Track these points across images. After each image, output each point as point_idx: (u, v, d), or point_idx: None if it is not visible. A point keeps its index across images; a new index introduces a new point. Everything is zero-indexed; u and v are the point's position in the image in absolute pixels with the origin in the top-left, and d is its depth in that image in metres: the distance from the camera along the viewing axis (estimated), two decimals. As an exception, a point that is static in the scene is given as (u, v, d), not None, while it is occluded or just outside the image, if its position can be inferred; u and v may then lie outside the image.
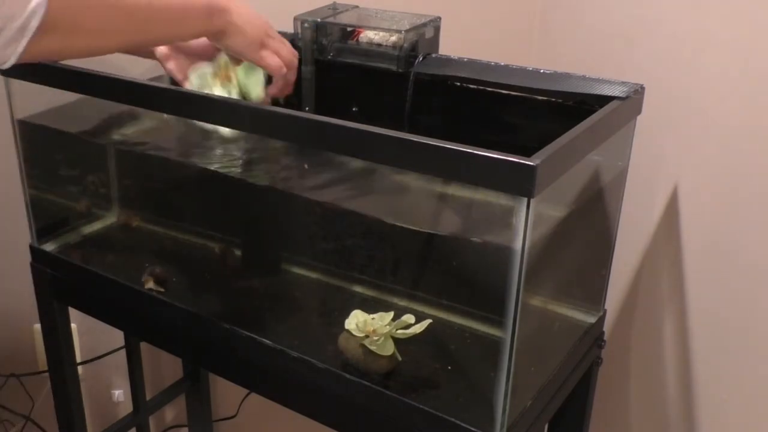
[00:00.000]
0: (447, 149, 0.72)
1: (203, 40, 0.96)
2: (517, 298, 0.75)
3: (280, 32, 1.12)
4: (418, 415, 0.85)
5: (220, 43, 0.93)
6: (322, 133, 0.82)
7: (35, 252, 1.19)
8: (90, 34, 0.80)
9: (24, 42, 0.73)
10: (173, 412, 1.78)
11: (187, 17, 0.87)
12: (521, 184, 0.70)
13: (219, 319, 1.00)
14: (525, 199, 0.70)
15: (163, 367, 1.72)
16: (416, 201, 0.96)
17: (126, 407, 1.61)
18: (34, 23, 0.72)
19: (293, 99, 1.05)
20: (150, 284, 1.07)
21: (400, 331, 0.87)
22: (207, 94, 0.96)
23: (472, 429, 0.81)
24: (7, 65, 0.75)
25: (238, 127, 0.92)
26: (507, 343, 0.77)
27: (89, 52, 0.83)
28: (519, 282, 0.74)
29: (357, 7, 1.15)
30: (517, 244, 0.72)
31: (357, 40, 1.07)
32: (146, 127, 1.16)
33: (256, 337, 0.96)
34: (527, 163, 0.69)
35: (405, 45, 1.03)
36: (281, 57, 0.97)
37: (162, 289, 1.06)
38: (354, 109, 1.13)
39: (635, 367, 1.14)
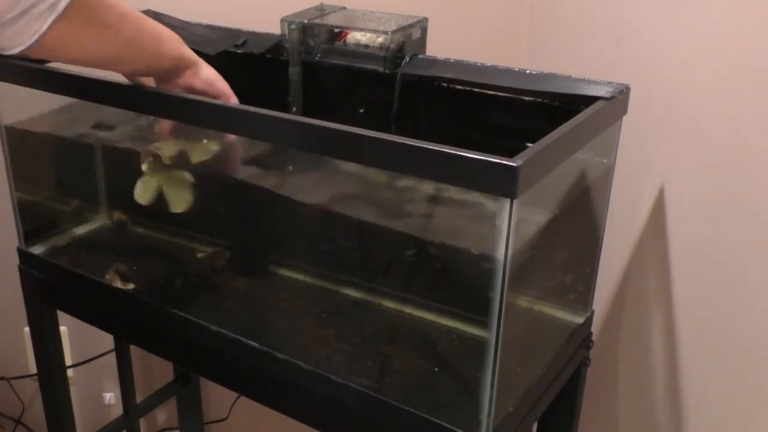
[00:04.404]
0: (429, 150, 0.72)
1: None
2: (501, 299, 0.74)
3: (265, 33, 1.13)
4: (404, 417, 0.85)
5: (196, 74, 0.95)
6: (306, 134, 0.82)
7: (23, 255, 1.19)
8: (100, 31, 0.82)
9: (50, 21, 0.74)
10: (164, 414, 1.78)
11: (162, 43, 0.91)
12: (503, 185, 0.69)
13: (206, 322, 0.99)
14: (508, 200, 0.70)
15: (155, 369, 1.71)
16: (401, 202, 0.96)
17: (117, 410, 1.61)
18: (64, 3, 0.74)
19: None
20: (117, 283, 1.07)
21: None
22: (199, 98, 0.94)
23: (458, 431, 0.81)
24: (19, 49, 0.76)
25: (223, 129, 0.92)
26: (492, 344, 0.77)
27: (87, 54, 0.85)
28: (503, 283, 0.74)
29: (344, 8, 1.15)
30: (501, 246, 0.72)
31: (344, 41, 1.07)
32: (133, 127, 1.16)
33: (242, 339, 0.96)
34: (509, 164, 0.69)
35: (392, 46, 1.03)
36: None
37: (131, 286, 1.06)
38: (342, 106, 1.13)
39: (623, 368, 1.14)
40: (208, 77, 0.95)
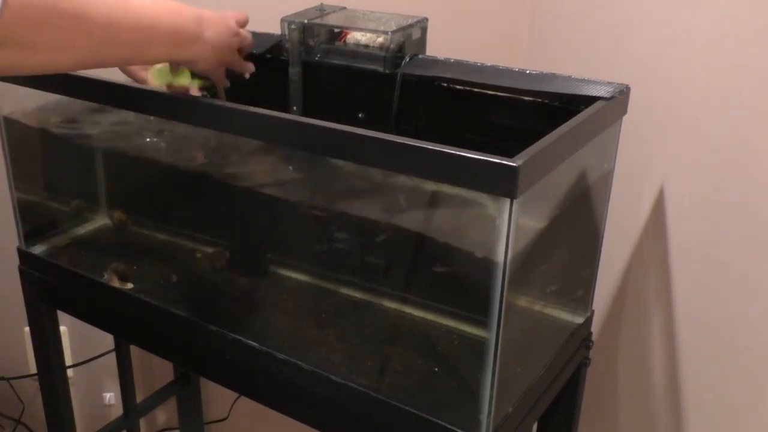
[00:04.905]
0: (429, 150, 0.72)
1: None
2: (501, 299, 0.74)
3: (265, 33, 1.13)
4: (404, 417, 0.85)
5: (183, 63, 0.93)
6: (306, 134, 0.82)
7: (23, 255, 1.19)
8: (46, 51, 0.73)
9: None
10: (165, 414, 1.78)
11: (151, 43, 0.83)
12: (504, 185, 0.69)
13: (206, 322, 0.99)
14: (508, 200, 0.70)
15: (155, 369, 1.71)
16: (401, 202, 0.96)
17: (117, 410, 1.61)
18: None
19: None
20: (115, 282, 1.07)
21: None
22: (194, 97, 0.95)
23: (458, 431, 0.81)
24: None
25: (223, 129, 0.92)
26: (492, 344, 0.77)
27: (43, 69, 0.76)
28: (503, 283, 0.74)
29: (344, 8, 1.15)
30: (501, 246, 0.72)
31: (344, 41, 1.07)
32: (135, 125, 1.16)
33: (242, 339, 0.96)
34: (509, 164, 0.69)
35: (392, 46, 1.03)
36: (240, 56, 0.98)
37: (130, 285, 1.06)
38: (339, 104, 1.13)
39: (623, 368, 1.14)
40: (204, 57, 0.90)
